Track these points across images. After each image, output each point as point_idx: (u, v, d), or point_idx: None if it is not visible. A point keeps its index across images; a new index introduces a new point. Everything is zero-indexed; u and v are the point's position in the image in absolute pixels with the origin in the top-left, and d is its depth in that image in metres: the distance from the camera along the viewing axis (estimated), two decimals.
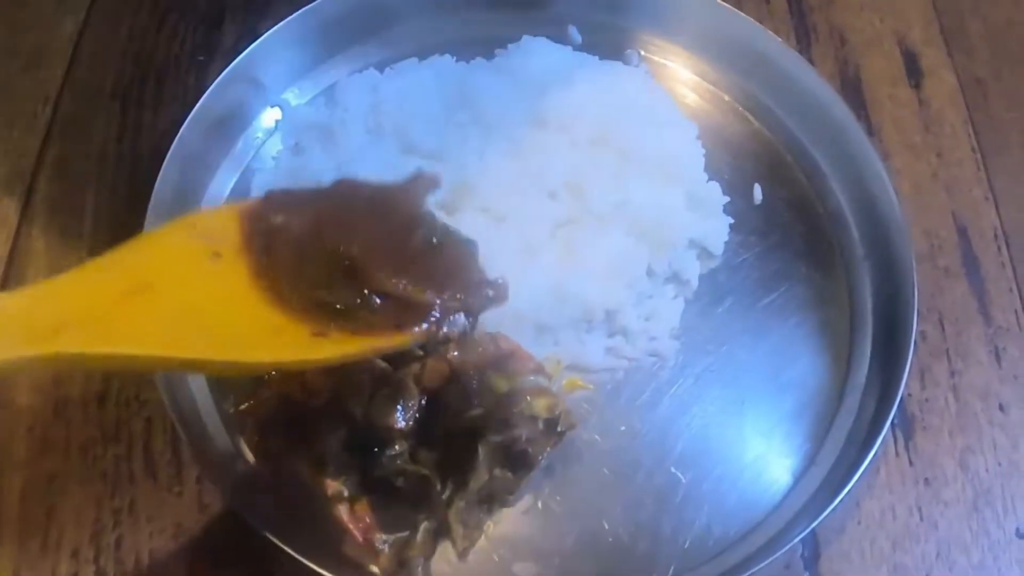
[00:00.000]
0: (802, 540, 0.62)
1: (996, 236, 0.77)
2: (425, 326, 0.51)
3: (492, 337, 0.61)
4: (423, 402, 0.58)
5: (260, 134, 0.77)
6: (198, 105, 0.71)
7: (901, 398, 0.64)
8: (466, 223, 0.67)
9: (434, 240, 0.55)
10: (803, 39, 0.87)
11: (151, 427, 0.65)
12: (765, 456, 0.66)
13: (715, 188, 0.75)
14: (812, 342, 0.70)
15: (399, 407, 0.57)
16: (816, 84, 0.77)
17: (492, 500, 0.61)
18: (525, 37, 0.79)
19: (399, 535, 0.58)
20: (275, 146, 0.76)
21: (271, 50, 0.76)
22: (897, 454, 0.67)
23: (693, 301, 0.72)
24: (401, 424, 0.57)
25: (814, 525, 0.59)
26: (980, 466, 0.67)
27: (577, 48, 0.81)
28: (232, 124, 0.76)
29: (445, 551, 0.60)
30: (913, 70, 0.85)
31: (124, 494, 0.63)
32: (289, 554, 0.55)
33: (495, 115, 0.72)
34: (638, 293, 0.70)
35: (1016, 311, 0.73)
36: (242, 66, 0.74)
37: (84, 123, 0.78)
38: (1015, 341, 0.72)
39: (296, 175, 0.72)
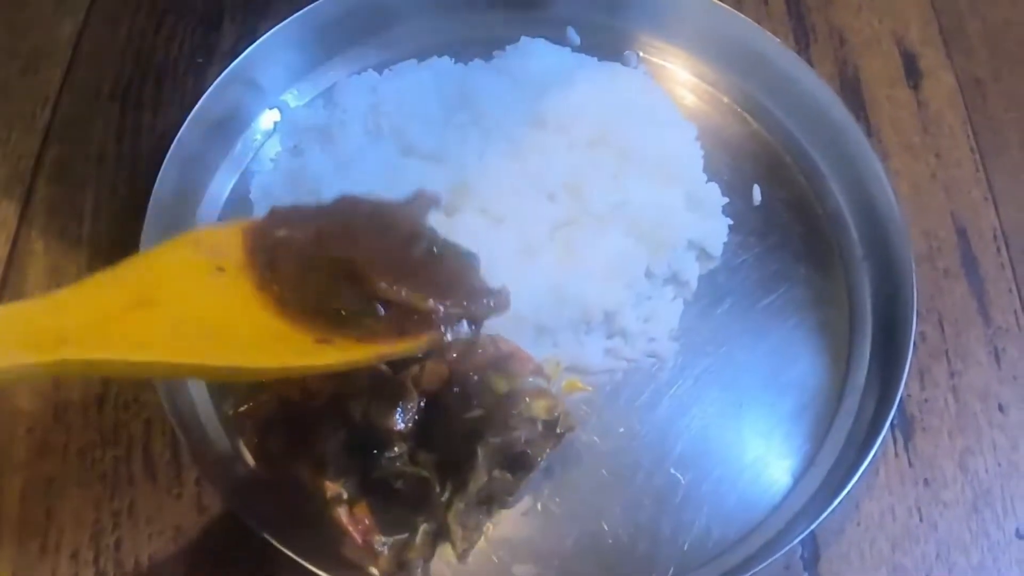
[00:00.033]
0: (801, 541, 0.62)
1: (995, 237, 0.77)
2: (430, 333, 0.52)
3: (491, 338, 0.61)
4: (422, 404, 0.58)
5: (259, 136, 0.77)
6: (197, 107, 0.71)
7: (900, 399, 0.64)
8: (465, 224, 0.67)
9: (435, 251, 0.55)
10: (802, 40, 0.87)
11: (150, 429, 0.65)
12: (764, 457, 0.66)
13: (714, 189, 0.75)
14: (811, 343, 0.70)
15: (398, 409, 0.57)
16: (815, 85, 0.77)
17: (491, 502, 0.61)
18: (524, 38, 0.79)
19: (398, 537, 0.58)
20: (274, 147, 0.76)
21: (270, 51, 0.76)
22: (896, 455, 0.67)
23: (692, 302, 0.72)
24: (400, 426, 0.57)
25: (813, 526, 0.59)
26: (980, 467, 0.67)
27: (576, 49, 0.81)
28: (231, 126, 0.76)
29: (444, 553, 0.60)
30: (912, 71, 0.85)
31: (123, 496, 0.63)
32: (288, 556, 0.55)
33: (494, 116, 0.72)
34: (637, 294, 0.70)
35: (1015, 312, 0.73)
36: (241, 68, 0.74)
37: (83, 124, 0.78)
38: (1015, 342, 0.72)
39: (295, 177, 0.72)
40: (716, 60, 0.82)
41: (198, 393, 0.64)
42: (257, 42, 0.75)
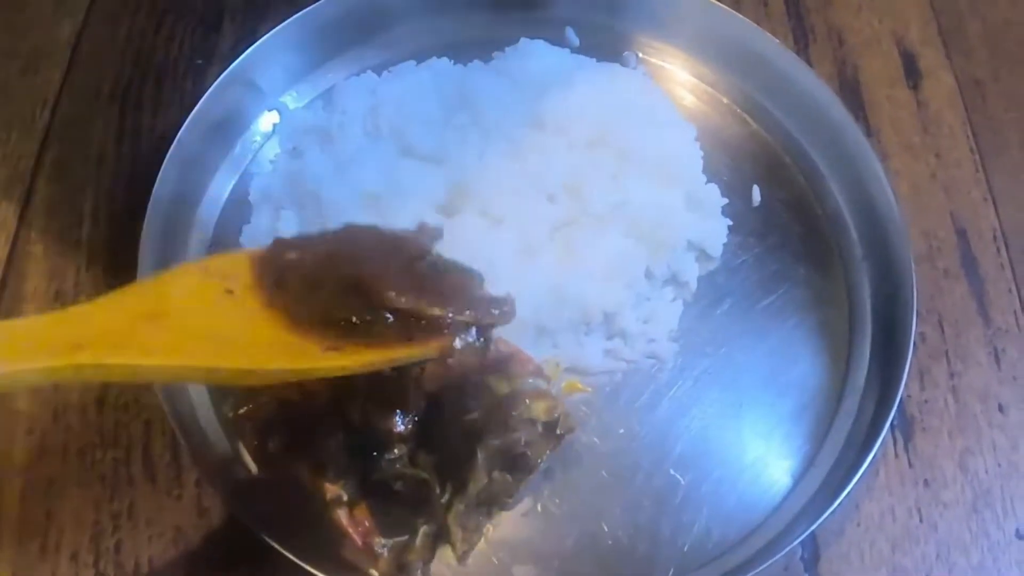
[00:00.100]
0: (801, 542, 0.62)
1: (995, 237, 0.77)
2: (439, 339, 0.53)
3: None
4: (422, 405, 0.58)
5: (258, 137, 0.77)
6: (196, 108, 0.71)
7: (900, 399, 0.64)
8: (465, 225, 0.67)
9: (439, 267, 0.57)
10: (801, 40, 0.87)
11: (150, 431, 0.65)
12: (764, 458, 0.66)
13: (713, 190, 0.75)
14: (811, 344, 0.70)
15: (398, 411, 0.57)
16: (814, 85, 0.77)
17: (491, 503, 0.61)
18: (523, 39, 0.79)
19: (398, 539, 0.58)
20: (273, 149, 0.76)
21: (269, 53, 0.76)
22: (896, 455, 0.67)
23: (692, 303, 0.72)
24: (400, 428, 0.57)
25: (814, 527, 0.59)
26: (980, 467, 0.67)
27: (575, 50, 0.81)
28: (230, 127, 0.76)
29: (444, 555, 0.60)
30: (911, 71, 0.85)
31: (123, 497, 0.63)
32: (288, 558, 0.55)
33: (493, 117, 0.72)
34: (637, 295, 0.70)
35: (1015, 312, 0.73)
36: (240, 69, 0.74)
37: (82, 126, 0.78)
38: (1014, 342, 0.72)
39: (294, 178, 0.72)
40: (715, 61, 0.82)
41: (198, 395, 0.64)
42: (257, 43, 0.75)
